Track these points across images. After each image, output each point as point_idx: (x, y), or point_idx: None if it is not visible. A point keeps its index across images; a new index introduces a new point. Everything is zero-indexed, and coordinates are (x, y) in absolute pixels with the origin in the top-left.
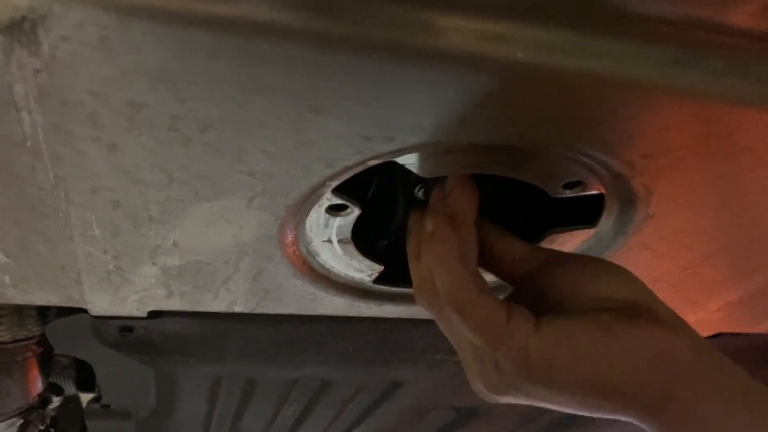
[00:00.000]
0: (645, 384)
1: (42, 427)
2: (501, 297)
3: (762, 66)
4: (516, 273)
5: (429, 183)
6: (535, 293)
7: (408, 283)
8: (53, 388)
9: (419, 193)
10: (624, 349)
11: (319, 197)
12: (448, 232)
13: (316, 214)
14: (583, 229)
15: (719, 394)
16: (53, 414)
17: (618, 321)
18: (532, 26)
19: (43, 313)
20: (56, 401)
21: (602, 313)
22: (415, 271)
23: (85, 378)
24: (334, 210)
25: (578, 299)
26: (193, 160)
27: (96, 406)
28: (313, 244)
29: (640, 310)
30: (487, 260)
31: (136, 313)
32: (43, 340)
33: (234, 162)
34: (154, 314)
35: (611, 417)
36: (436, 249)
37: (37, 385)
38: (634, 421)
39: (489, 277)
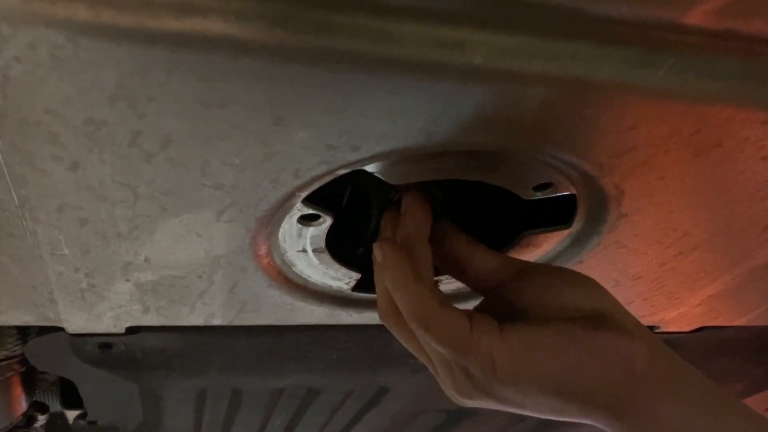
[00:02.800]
0: (608, 387)
1: None
2: (466, 305)
3: (723, 63)
4: (488, 283)
5: (403, 188)
6: (504, 303)
7: None
8: (38, 406)
9: (394, 198)
10: (587, 354)
11: (289, 208)
12: (398, 257)
13: (289, 225)
14: (558, 230)
15: (677, 396)
16: None
17: (581, 329)
18: (491, 32)
19: (24, 332)
20: (42, 419)
21: (566, 322)
22: (378, 294)
23: (71, 395)
24: (306, 220)
25: (544, 308)
26: (158, 175)
27: (82, 422)
28: (287, 254)
29: (604, 318)
30: (459, 272)
31: (113, 330)
32: (25, 359)
33: (199, 176)
34: (132, 330)
35: (577, 420)
36: (389, 275)
37: (21, 404)
38: (599, 425)
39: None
